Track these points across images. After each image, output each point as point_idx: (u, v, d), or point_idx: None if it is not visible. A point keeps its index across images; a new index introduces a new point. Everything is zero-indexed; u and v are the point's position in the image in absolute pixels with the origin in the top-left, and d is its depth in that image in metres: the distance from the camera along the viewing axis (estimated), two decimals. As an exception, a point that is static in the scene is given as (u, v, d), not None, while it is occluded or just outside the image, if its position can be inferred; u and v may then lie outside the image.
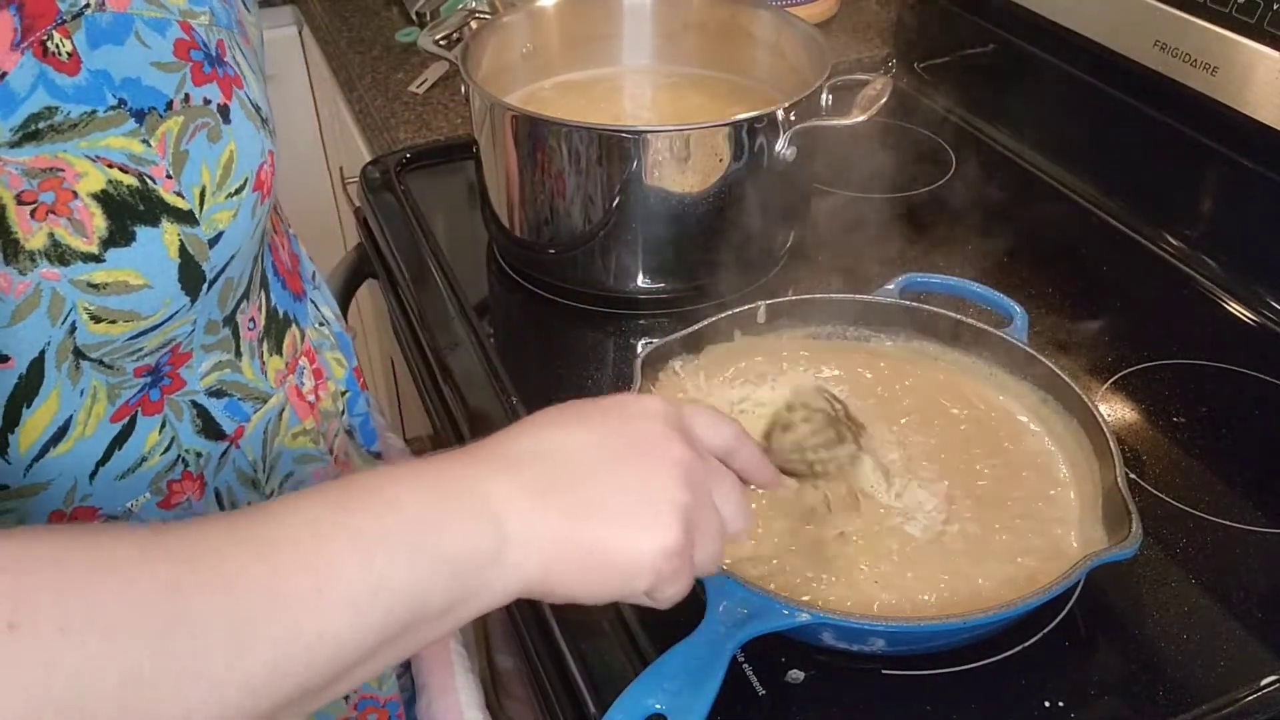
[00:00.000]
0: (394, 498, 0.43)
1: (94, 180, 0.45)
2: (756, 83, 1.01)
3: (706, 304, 0.88)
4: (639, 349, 0.80)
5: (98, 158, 0.46)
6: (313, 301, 0.70)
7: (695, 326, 0.75)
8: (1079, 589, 0.65)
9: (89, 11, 0.45)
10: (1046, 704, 0.59)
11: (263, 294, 0.61)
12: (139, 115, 0.47)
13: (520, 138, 0.86)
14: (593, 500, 0.46)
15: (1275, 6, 0.81)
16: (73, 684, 0.34)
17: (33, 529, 0.39)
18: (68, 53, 0.45)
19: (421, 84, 1.27)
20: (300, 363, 0.65)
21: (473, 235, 1.00)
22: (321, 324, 0.70)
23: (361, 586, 0.41)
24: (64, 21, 0.44)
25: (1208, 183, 0.94)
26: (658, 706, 0.52)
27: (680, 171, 0.83)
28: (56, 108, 0.44)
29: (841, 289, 0.82)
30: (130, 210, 0.47)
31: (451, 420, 0.84)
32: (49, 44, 0.44)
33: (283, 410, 0.63)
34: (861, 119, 0.85)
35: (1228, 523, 0.70)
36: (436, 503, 0.44)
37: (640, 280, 0.89)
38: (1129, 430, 0.78)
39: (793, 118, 0.84)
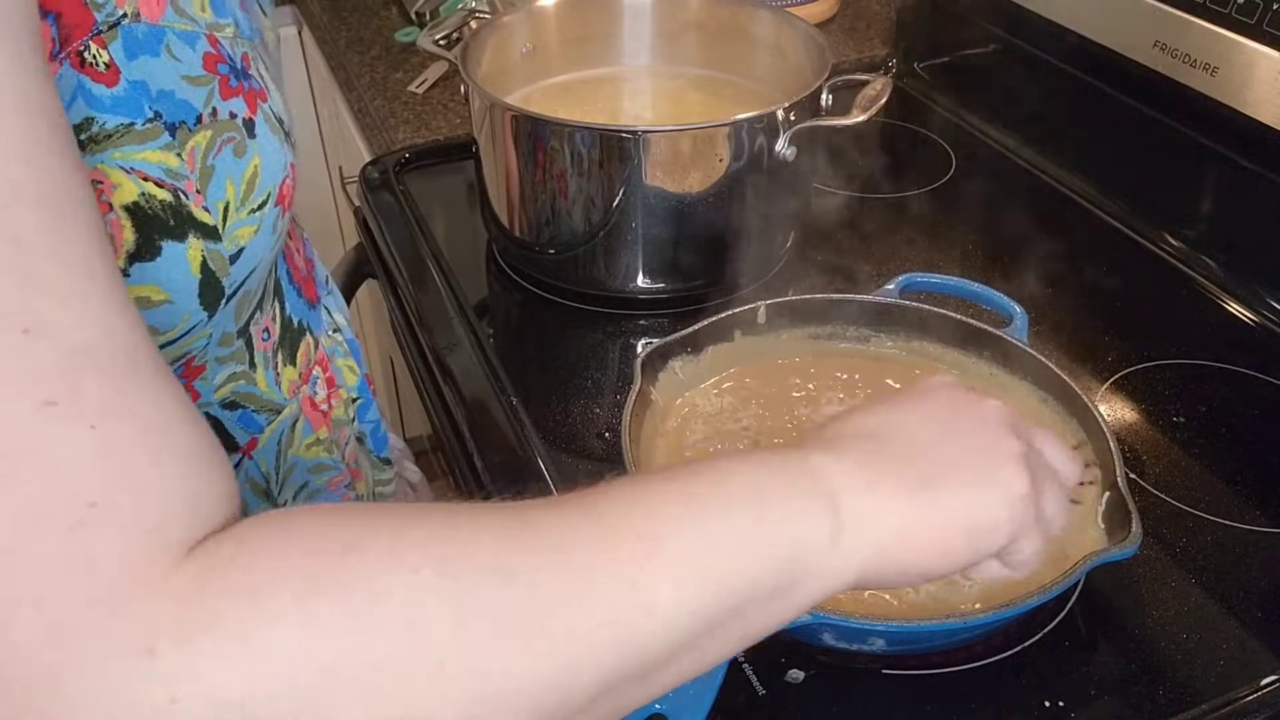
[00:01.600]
0: (725, 473, 0.43)
1: (127, 193, 0.45)
2: (756, 83, 1.01)
3: (706, 304, 0.88)
4: (639, 349, 0.80)
5: (132, 169, 0.45)
6: (325, 308, 0.70)
7: (695, 326, 0.75)
8: (1079, 589, 0.65)
9: (125, 22, 0.45)
10: (1046, 704, 0.59)
11: (277, 303, 0.61)
12: (172, 129, 0.47)
13: (520, 138, 0.86)
14: (933, 470, 0.46)
15: (1275, 6, 0.81)
16: (402, 612, 0.33)
17: (362, 504, 0.38)
18: (105, 63, 0.44)
19: (421, 84, 1.27)
20: (314, 372, 0.65)
21: (472, 235, 1.00)
22: (334, 330, 0.70)
23: (696, 552, 0.39)
24: (100, 32, 0.44)
25: (1208, 183, 0.94)
26: (658, 706, 0.52)
27: (680, 171, 0.83)
28: (94, 119, 0.44)
29: (841, 289, 0.82)
30: (159, 224, 0.46)
31: (451, 420, 0.84)
32: (85, 54, 0.43)
33: (296, 421, 0.62)
34: (861, 119, 0.85)
35: (1228, 523, 0.70)
36: (768, 478, 0.43)
37: (640, 280, 0.89)
38: (1129, 430, 0.78)
39: (793, 118, 0.84)
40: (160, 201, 0.46)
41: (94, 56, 0.44)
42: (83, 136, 0.44)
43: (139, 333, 0.36)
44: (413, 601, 0.34)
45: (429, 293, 0.92)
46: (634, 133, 0.82)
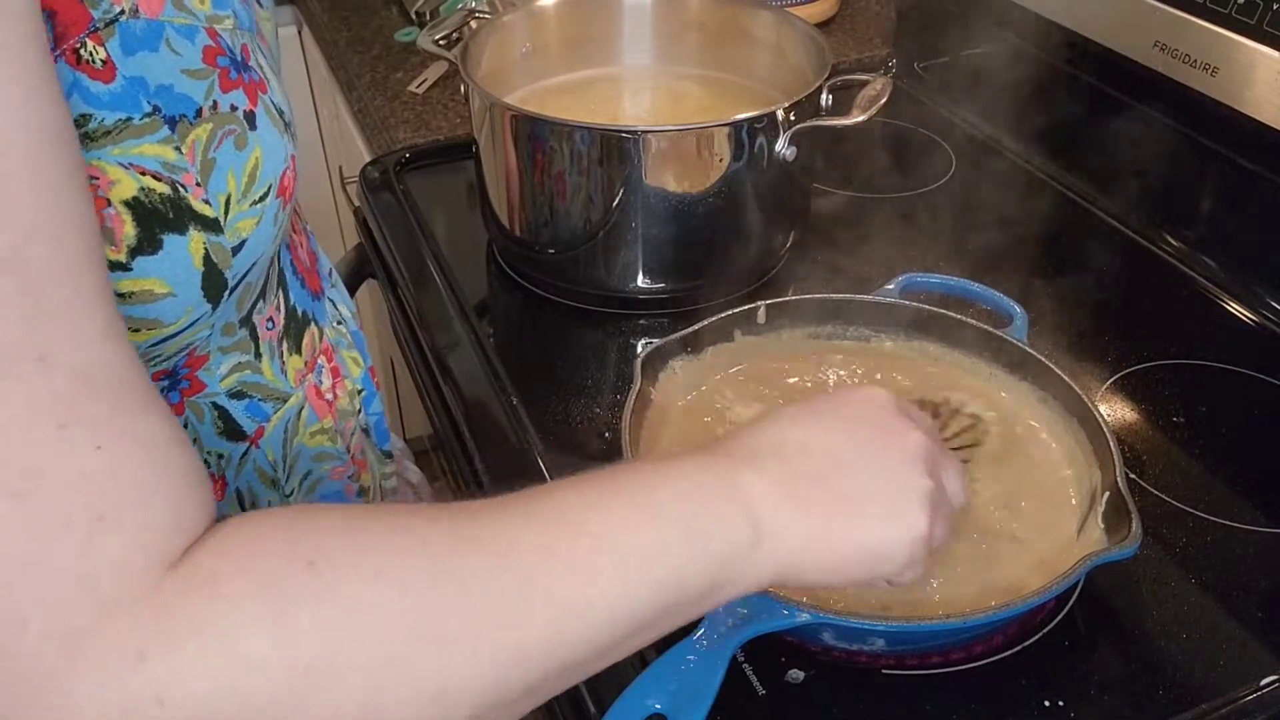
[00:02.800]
0: (658, 484, 0.46)
1: (126, 187, 0.45)
2: (756, 83, 1.01)
3: (706, 304, 0.88)
4: (639, 349, 0.80)
5: (130, 165, 0.45)
6: (330, 300, 0.70)
7: (695, 326, 0.75)
8: (1079, 589, 0.65)
9: (123, 18, 0.45)
10: (1046, 704, 0.59)
11: (281, 293, 0.61)
12: (171, 122, 0.47)
13: (520, 138, 0.86)
14: (846, 496, 0.49)
15: (1275, 6, 0.81)
16: (362, 623, 0.37)
17: (321, 505, 0.42)
18: (101, 60, 0.44)
19: (421, 84, 1.27)
20: (319, 361, 0.65)
21: (472, 235, 1.00)
22: (339, 322, 0.70)
23: (636, 557, 0.43)
24: (97, 29, 0.44)
25: (1208, 183, 0.94)
26: (658, 706, 0.52)
27: (680, 171, 0.83)
28: (91, 115, 0.44)
29: (841, 289, 0.82)
30: (160, 218, 0.46)
31: (451, 420, 0.84)
32: (82, 51, 0.44)
33: (301, 409, 0.63)
34: (861, 119, 0.85)
35: (1228, 523, 0.70)
36: (700, 490, 0.47)
37: (640, 280, 0.89)
38: (1129, 430, 0.78)
39: (793, 118, 0.84)
40: (159, 195, 0.46)
41: (90, 54, 0.44)
42: (79, 133, 0.43)
43: (129, 354, 0.39)
44: (372, 608, 0.37)
45: (429, 293, 0.92)
46: (634, 133, 0.82)
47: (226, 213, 0.49)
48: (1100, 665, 0.62)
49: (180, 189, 0.47)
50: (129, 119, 0.45)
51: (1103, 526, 0.63)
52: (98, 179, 0.44)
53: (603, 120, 0.95)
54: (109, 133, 0.45)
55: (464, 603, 0.39)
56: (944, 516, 0.53)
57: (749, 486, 0.47)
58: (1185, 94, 0.89)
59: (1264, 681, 0.60)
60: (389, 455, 0.77)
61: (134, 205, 0.45)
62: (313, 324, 0.65)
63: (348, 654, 0.36)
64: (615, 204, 0.84)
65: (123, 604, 0.34)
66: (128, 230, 0.45)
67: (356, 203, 1.10)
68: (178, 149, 0.47)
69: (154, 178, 0.46)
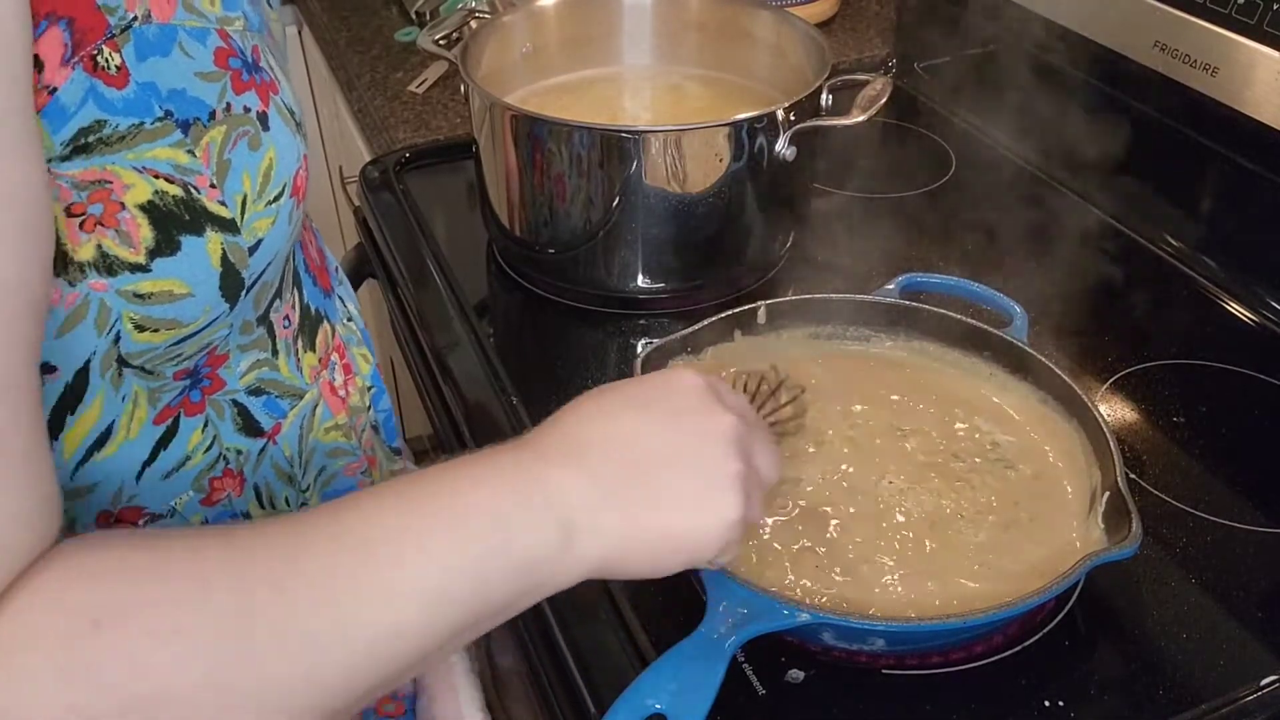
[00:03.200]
0: (460, 496, 0.46)
1: (141, 191, 0.46)
2: (756, 83, 1.01)
3: (706, 304, 0.88)
4: (639, 349, 0.80)
5: (144, 169, 0.46)
6: (340, 297, 0.71)
7: (695, 326, 0.75)
8: (1079, 589, 0.65)
9: (137, 24, 0.45)
10: (1046, 704, 0.59)
11: (295, 291, 0.62)
12: (184, 126, 0.47)
13: (520, 138, 0.86)
14: (660, 490, 0.50)
15: (1275, 6, 0.81)
16: (156, 683, 0.38)
17: (117, 536, 0.43)
18: (116, 66, 0.45)
19: (421, 84, 1.27)
20: (332, 358, 0.66)
21: (472, 235, 1.00)
22: (348, 319, 0.71)
23: (434, 584, 0.43)
24: (113, 35, 0.45)
25: (1208, 183, 0.94)
26: (658, 706, 0.52)
27: (680, 171, 0.83)
28: (105, 121, 0.44)
29: (841, 289, 0.82)
30: (176, 220, 0.47)
31: (451, 420, 0.84)
32: (98, 58, 0.44)
33: (316, 406, 0.63)
34: (861, 119, 0.85)
35: (1228, 523, 0.70)
36: (505, 495, 0.47)
37: (640, 280, 0.89)
38: (1129, 430, 0.78)
39: (793, 118, 0.84)
40: (173, 197, 0.47)
41: (106, 60, 0.44)
42: (93, 138, 0.44)
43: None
44: (154, 669, 0.38)
45: (429, 293, 0.92)
46: (634, 133, 0.82)
47: (243, 213, 0.50)
48: (1100, 665, 0.62)
49: (193, 191, 0.47)
50: (141, 124, 0.46)
51: (1103, 526, 0.63)
52: (111, 183, 0.45)
53: (603, 120, 0.95)
54: (123, 138, 0.45)
55: (250, 656, 0.39)
56: (756, 496, 0.53)
57: (558, 486, 0.47)
58: (1185, 94, 0.89)
59: (1264, 681, 0.60)
60: (397, 452, 0.77)
61: (149, 209, 0.46)
62: (325, 321, 0.65)
63: (184, 676, 0.38)
64: (615, 204, 0.84)
65: None
66: (144, 233, 0.46)
67: (356, 203, 1.10)
68: (190, 152, 0.47)
69: (167, 180, 0.46)
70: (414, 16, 1.40)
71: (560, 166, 0.84)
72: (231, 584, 0.40)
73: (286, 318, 0.60)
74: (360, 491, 0.46)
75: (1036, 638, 0.62)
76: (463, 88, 0.91)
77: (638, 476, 0.49)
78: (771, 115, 0.83)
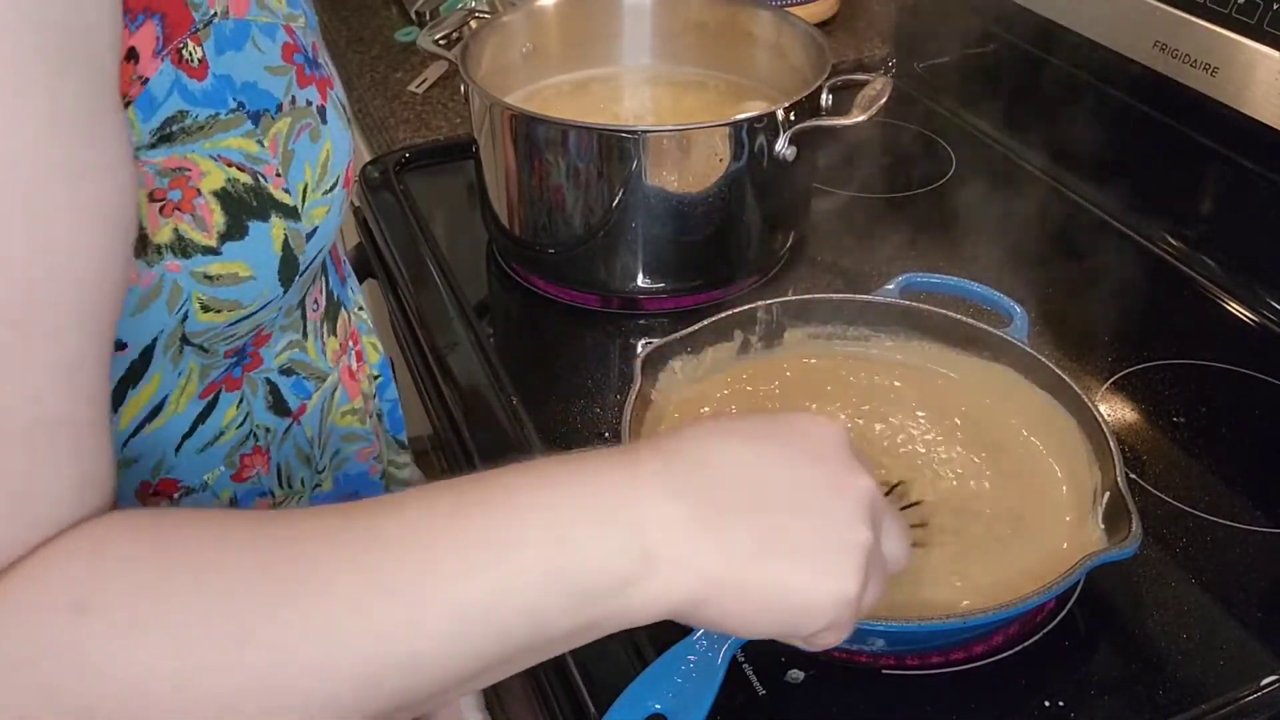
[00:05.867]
0: (524, 507, 0.40)
1: (215, 179, 0.48)
2: (756, 83, 1.01)
3: (706, 304, 0.88)
4: (639, 349, 0.80)
5: (219, 157, 0.48)
6: (350, 288, 0.72)
7: (695, 326, 0.75)
8: (1079, 589, 0.65)
9: (217, 19, 0.48)
10: (1046, 704, 0.59)
11: (323, 277, 0.64)
12: (255, 117, 0.49)
13: (520, 138, 0.86)
14: (776, 531, 0.42)
15: (1275, 6, 0.81)
16: (131, 674, 0.36)
17: (127, 514, 0.40)
18: (198, 59, 0.47)
19: (421, 83, 1.27)
20: (349, 344, 0.67)
21: (472, 235, 1.00)
22: (360, 308, 0.72)
23: (469, 608, 0.38)
24: (197, 30, 0.47)
25: (1208, 183, 0.94)
26: (658, 706, 0.52)
27: (680, 171, 0.83)
28: (187, 111, 0.47)
29: (841, 289, 0.82)
30: (245, 206, 0.49)
31: (451, 420, 0.84)
32: (184, 51, 0.46)
33: (336, 389, 0.65)
34: (861, 119, 0.85)
35: (1228, 523, 0.70)
36: (576, 517, 0.40)
37: (640, 280, 0.89)
38: (1129, 430, 0.78)
39: (793, 118, 0.84)
40: (243, 185, 0.49)
41: (190, 53, 0.46)
42: (176, 128, 0.46)
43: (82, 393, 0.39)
44: (135, 665, 0.36)
45: (429, 293, 0.92)
46: (634, 133, 0.82)
47: (304, 201, 0.52)
48: (1100, 665, 0.62)
49: (261, 179, 0.50)
50: (217, 114, 0.48)
51: (1103, 526, 0.63)
52: (190, 171, 0.47)
53: (603, 120, 0.95)
54: (201, 128, 0.47)
55: (248, 656, 0.36)
56: (878, 579, 0.45)
57: (651, 508, 0.41)
58: (1185, 94, 0.89)
59: (1264, 681, 0.60)
60: (404, 445, 0.78)
61: (222, 195, 0.48)
62: (344, 308, 0.67)
63: (106, 710, 0.35)
64: (615, 204, 0.84)
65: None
66: (217, 218, 0.48)
67: (356, 203, 1.10)
68: (259, 142, 0.50)
69: (239, 169, 0.49)
70: (414, 16, 1.40)
71: (560, 166, 0.84)
72: (243, 580, 0.37)
73: (315, 301, 0.62)
74: (411, 490, 0.42)
75: (1036, 638, 0.62)
76: (463, 88, 0.91)
77: (752, 515, 0.42)
78: (771, 115, 0.83)
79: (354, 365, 0.68)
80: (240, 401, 0.57)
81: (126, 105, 0.44)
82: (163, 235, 0.47)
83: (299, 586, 0.37)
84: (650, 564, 0.40)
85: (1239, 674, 0.60)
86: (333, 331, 0.65)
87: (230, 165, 0.48)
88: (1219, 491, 0.73)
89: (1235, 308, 0.91)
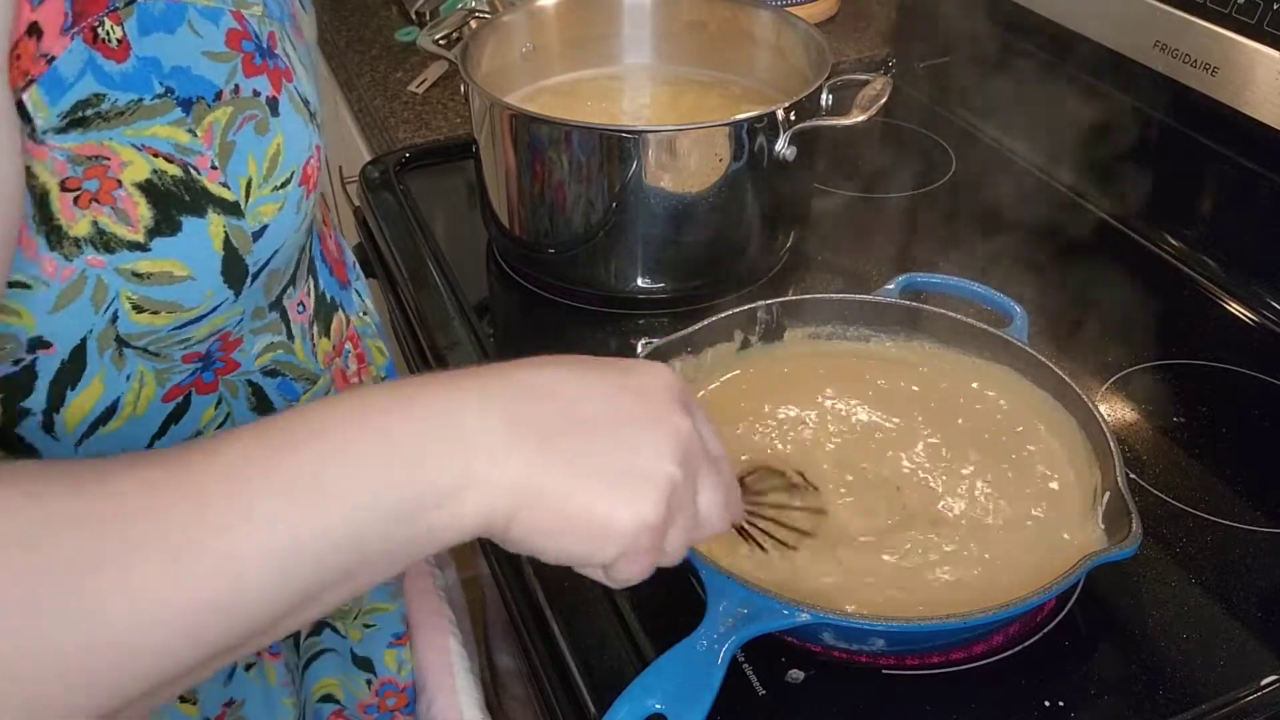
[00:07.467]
0: (352, 439, 0.40)
1: (138, 169, 0.45)
2: (756, 83, 1.01)
3: (706, 304, 0.88)
4: (639, 349, 0.80)
5: (143, 146, 0.45)
6: (356, 291, 0.71)
7: (695, 326, 0.75)
8: (1079, 589, 0.65)
9: (143, 1, 0.45)
10: (1046, 704, 0.59)
11: (311, 280, 0.62)
12: (185, 104, 0.47)
13: (520, 137, 0.86)
14: (585, 455, 0.43)
15: (1275, 6, 0.81)
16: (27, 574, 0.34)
17: None
18: (118, 39, 0.44)
19: (421, 83, 1.27)
20: (345, 347, 0.66)
21: (473, 235, 1.00)
22: (365, 313, 0.71)
23: (286, 540, 0.38)
24: (116, 8, 0.44)
25: (1208, 183, 0.94)
26: (658, 706, 0.52)
27: (680, 171, 0.83)
28: (104, 95, 0.44)
29: (841, 289, 0.82)
30: (175, 200, 0.47)
31: (451, 420, 0.84)
32: (100, 30, 0.44)
33: (329, 391, 0.64)
34: (861, 119, 0.85)
35: (1228, 523, 0.70)
36: (400, 435, 0.40)
37: (640, 280, 0.89)
38: (1129, 430, 0.78)
39: (793, 118, 0.84)
40: (171, 177, 0.46)
41: (107, 32, 0.44)
42: (90, 112, 0.44)
43: None
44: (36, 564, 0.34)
45: (429, 293, 0.92)
46: (634, 133, 0.82)
47: (247, 196, 0.49)
48: (1100, 665, 0.62)
49: (193, 171, 0.47)
50: (140, 100, 0.45)
51: (1103, 526, 0.63)
52: (109, 160, 0.45)
53: (603, 120, 0.95)
54: (121, 113, 0.45)
55: (75, 581, 0.34)
56: (683, 524, 0.46)
57: (475, 425, 0.41)
58: (1185, 94, 0.89)
59: (1264, 681, 0.60)
60: None
61: (146, 188, 0.46)
62: (340, 310, 0.66)
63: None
64: (615, 204, 0.84)
65: None
66: (142, 211, 0.46)
67: (356, 203, 1.10)
68: (191, 131, 0.47)
69: (166, 159, 0.46)
70: (414, 16, 1.40)
71: (560, 166, 0.84)
72: (69, 510, 0.35)
73: (301, 304, 0.60)
74: (243, 428, 0.40)
75: (1036, 638, 0.62)
76: (463, 88, 0.91)
77: (566, 438, 0.43)
78: (771, 115, 0.83)
79: (351, 368, 0.67)
80: (219, 403, 0.55)
81: (29, 84, 0.42)
82: (80, 228, 0.44)
83: (115, 546, 0.36)
84: (468, 477, 0.41)
85: (1239, 674, 0.60)
86: (325, 333, 0.63)
87: (156, 155, 0.46)
88: (1219, 491, 0.73)
89: (1235, 308, 0.91)
